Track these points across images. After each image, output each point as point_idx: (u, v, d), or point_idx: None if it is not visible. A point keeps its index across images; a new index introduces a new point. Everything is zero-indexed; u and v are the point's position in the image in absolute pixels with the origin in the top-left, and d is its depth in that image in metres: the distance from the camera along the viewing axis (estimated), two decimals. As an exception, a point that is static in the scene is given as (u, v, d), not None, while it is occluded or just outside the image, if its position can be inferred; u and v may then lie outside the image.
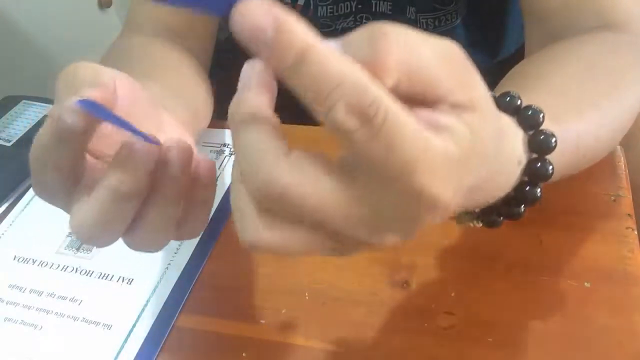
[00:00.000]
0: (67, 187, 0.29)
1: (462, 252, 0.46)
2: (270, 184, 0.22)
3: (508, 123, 0.32)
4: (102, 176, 0.28)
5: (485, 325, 0.41)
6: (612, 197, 0.47)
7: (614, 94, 0.42)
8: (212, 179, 0.30)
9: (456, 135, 0.22)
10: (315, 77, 0.21)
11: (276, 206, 0.23)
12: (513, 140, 0.32)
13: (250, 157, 0.23)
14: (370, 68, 0.21)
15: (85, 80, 0.28)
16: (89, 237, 0.29)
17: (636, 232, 0.44)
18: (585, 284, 0.42)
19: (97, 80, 0.29)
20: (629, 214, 0.46)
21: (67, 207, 0.30)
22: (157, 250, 0.31)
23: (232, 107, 0.24)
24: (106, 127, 0.29)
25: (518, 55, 0.57)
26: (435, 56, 0.23)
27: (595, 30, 0.49)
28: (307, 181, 0.22)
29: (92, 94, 0.26)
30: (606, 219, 0.46)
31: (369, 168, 0.22)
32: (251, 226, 0.24)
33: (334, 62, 0.21)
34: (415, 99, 0.23)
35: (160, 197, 0.29)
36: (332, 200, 0.23)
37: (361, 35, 0.22)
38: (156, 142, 0.27)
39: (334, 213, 0.23)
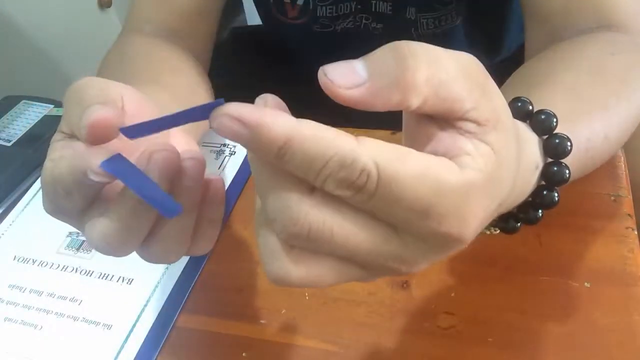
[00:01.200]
0: (84, 208, 0.30)
1: (462, 253, 0.45)
2: (296, 223, 0.22)
3: (523, 128, 0.32)
4: (119, 189, 0.28)
5: (485, 325, 0.41)
6: (612, 197, 0.47)
7: (622, 94, 0.42)
8: (222, 197, 0.30)
9: (480, 160, 0.22)
10: (300, 163, 0.21)
11: (303, 244, 0.23)
12: (529, 145, 0.32)
13: (274, 197, 0.23)
14: (398, 88, 0.21)
15: (93, 98, 0.28)
16: (108, 248, 0.29)
17: (636, 232, 0.44)
18: (585, 284, 0.42)
19: (106, 97, 0.29)
20: (629, 214, 0.46)
21: (78, 224, 0.31)
22: (171, 262, 0.31)
23: None
24: (120, 143, 0.28)
25: (518, 55, 0.57)
26: (460, 70, 0.22)
27: (595, 31, 0.49)
28: (333, 219, 0.22)
29: (101, 113, 0.26)
30: (606, 219, 0.46)
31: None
32: (278, 262, 0.24)
33: (315, 145, 0.21)
34: (438, 115, 0.23)
35: None
36: (361, 236, 0.23)
37: (386, 53, 0.22)
38: (178, 209, 0.27)
39: (363, 248, 0.23)
